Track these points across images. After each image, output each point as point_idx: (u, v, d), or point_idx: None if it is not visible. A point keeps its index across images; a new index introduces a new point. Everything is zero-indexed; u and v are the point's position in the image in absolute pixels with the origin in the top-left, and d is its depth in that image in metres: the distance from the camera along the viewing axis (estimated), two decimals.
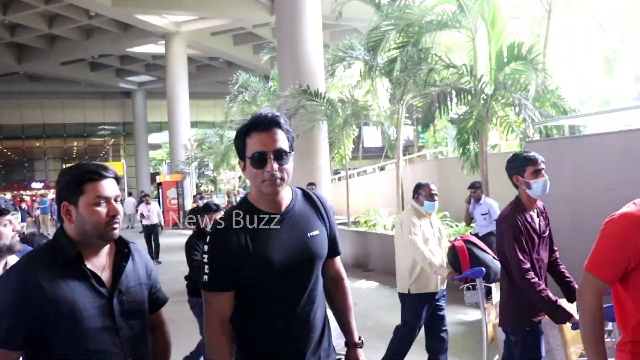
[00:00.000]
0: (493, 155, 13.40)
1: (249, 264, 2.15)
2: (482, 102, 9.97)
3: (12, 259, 2.71)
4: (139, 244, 2.32)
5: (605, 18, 16.11)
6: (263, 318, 2.23)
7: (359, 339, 2.51)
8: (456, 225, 11.85)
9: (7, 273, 2.06)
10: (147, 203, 15.01)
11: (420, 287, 5.06)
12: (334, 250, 2.45)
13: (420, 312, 5.09)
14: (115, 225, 2.08)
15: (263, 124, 2.18)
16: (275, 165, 2.14)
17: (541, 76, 9.49)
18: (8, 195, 32.47)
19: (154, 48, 33.98)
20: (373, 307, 8.34)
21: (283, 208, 2.26)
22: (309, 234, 2.28)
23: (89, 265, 2.06)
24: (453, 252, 4.91)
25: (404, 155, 18.60)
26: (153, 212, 14.83)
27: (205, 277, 2.19)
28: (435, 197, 5.17)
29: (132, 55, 36.37)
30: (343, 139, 14.55)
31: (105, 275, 2.10)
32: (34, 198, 36.11)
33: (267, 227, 2.21)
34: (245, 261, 2.15)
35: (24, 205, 31.16)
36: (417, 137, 29.72)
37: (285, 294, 2.22)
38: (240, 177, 27.51)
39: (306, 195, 2.39)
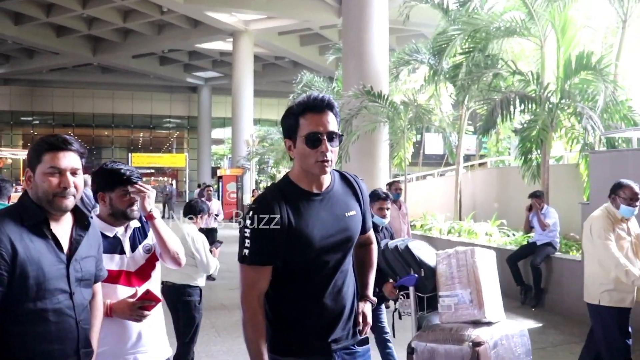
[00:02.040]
0: (555, 167, 13.16)
1: (289, 240, 2.23)
2: (546, 111, 9.83)
3: None
4: (96, 218, 2.45)
5: None
6: (298, 292, 2.32)
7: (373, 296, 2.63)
8: (513, 234, 11.70)
9: None
10: (209, 198, 11.89)
11: (614, 299, 4.46)
12: (365, 227, 2.56)
13: (615, 328, 4.48)
14: (67, 197, 2.17)
15: (319, 107, 2.25)
16: (329, 147, 2.22)
17: (610, 87, 9.29)
18: None
19: (222, 45, 34.67)
20: None
21: (323, 188, 2.35)
22: (346, 214, 2.38)
23: (53, 230, 2.18)
24: None
25: (465, 162, 18.41)
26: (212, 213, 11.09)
27: (246, 250, 2.25)
28: (638, 203, 4.52)
29: (200, 51, 37.27)
30: (403, 142, 14.55)
31: (64, 243, 2.22)
32: None
33: (308, 205, 2.29)
34: (287, 237, 2.23)
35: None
36: (479, 146, 29.35)
37: (322, 270, 2.32)
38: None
39: (343, 177, 2.49)
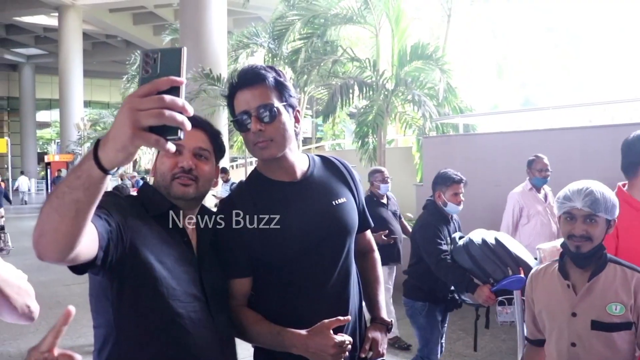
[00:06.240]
0: (390, 150, 13.85)
1: (266, 242, 1.84)
2: (382, 96, 10.28)
3: None
4: None
5: (499, 26, 17.01)
6: (285, 302, 1.89)
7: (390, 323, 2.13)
8: None
9: None
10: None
11: None
12: (364, 224, 2.14)
13: None
14: (185, 181, 1.72)
15: (244, 83, 1.84)
16: (258, 125, 1.80)
17: (445, 77, 9.99)
18: None
19: (46, 20, 32.13)
20: None
21: (299, 176, 1.95)
22: (334, 202, 1.96)
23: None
24: None
25: (303, 146, 18.78)
26: None
27: None
28: None
29: (20, 25, 34.12)
30: None
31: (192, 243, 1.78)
32: None
33: (282, 197, 1.90)
34: (262, 240, 1.84)
35: None
36: (315, 129, 30.10)
37: (311, 272, 1.89)
38: (135, 161, 26.54)
39: (326, 161, 2.10)
